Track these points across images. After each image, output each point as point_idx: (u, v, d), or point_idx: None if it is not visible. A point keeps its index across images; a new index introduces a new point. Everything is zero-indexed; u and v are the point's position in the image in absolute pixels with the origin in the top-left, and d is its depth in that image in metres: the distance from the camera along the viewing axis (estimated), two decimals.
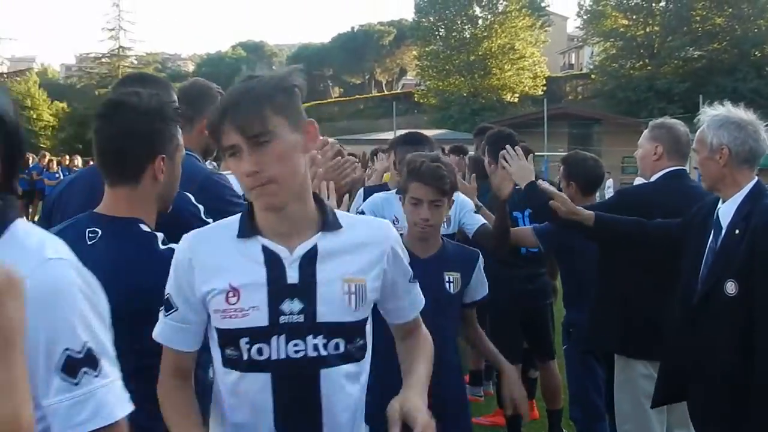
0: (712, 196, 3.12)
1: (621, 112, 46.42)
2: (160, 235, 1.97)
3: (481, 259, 3.08)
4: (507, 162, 3.65)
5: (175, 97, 2.72)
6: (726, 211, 2.96)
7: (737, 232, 2.84)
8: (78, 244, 1.93)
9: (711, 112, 3.04)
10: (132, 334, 1.86)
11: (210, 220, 2.44)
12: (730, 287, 2.80)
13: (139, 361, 1.88)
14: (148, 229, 1.99)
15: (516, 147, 3.74)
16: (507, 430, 4.90)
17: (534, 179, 3.65)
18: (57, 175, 18.81)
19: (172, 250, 1.90)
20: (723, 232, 2.94)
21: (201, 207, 2.43)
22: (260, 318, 1.70)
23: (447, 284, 2.93)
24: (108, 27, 56.06)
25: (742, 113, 2.98)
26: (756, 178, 2.96)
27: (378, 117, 56.53)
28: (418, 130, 5.01)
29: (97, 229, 1.97)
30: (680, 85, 45.52)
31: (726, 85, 45.13)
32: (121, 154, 1.98)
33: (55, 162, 19.86)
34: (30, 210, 19.40)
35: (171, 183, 2.10)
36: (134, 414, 1.38)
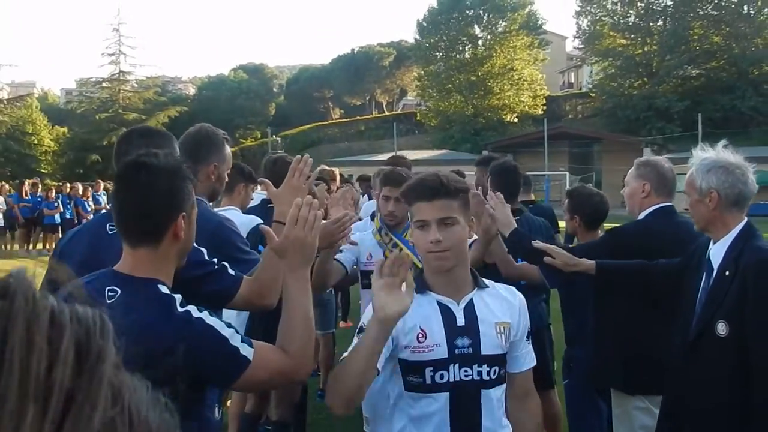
0: (705, 237, 3.15)
1: (620, 130, 46.58)
2: (178, 297, 1.97)
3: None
4: (492, 207, 3.72)
5: (177, 148, 2.79)
6: (716, 253, 3.00)
7: (727, 273, 2.89)
8: (98, 301, 1.93)
9: (700, 155, 3.06)
10: None
11: (215, 260, 2.46)
12: (721, 328, 2.84)
13: None
14: (167, 291, 1.98)
15: (498, 193, 3.80)
16: None
17: (515, 227, 3.70)
18: (56, 204, 18.79)
19: (190, 313, 1.93)
20: (714, 273, 2.98)
21: (204, 250, 2.46)
22: None
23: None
24: (108, 52, 56.46)
25: (731, 156, 3.00)
26: (745, 219, 3.00)
27: (379, 138, 56.82)
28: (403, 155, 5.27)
29: (116, 288, 1.97)
30: (679, 103, 45.71)
31: (725, 103, 45.33)
32: (145, 215, 1.99)
33: (54, 190, 19.75)
34: (31, 238, 19.40)
35: (189, 239, 2.11)
36: None
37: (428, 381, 2.31)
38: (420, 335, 2.32)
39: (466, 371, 2.31)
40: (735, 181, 2.95)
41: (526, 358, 2.50)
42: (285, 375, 2.04)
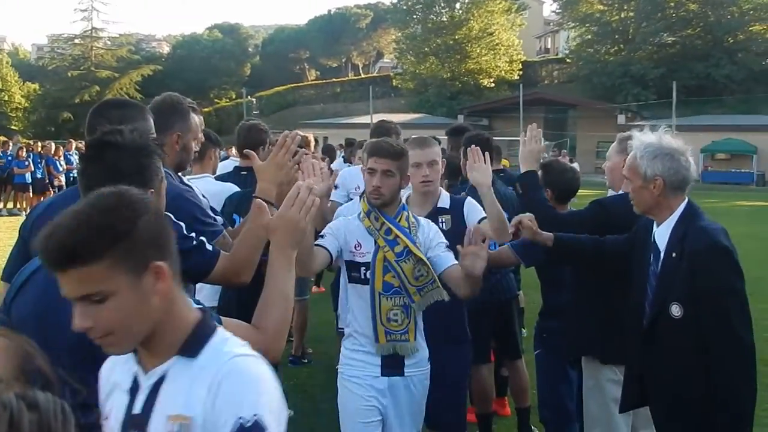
0: (647, 218, 3.19)
1: (596, 97, 46.68)
2: None
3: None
4: (475, 161, 3.70)
5: (152, 122, 2.70)
6: (661, 234, 3.05)
7: (674, 255, 2.94)
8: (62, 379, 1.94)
9: (643, 140, 3.07)
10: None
11: (193, 235, 2.46)
12: (675, 310, 2.90)
13: None
14: None
15: (486, 153, 3.78)
16: (478, 426, 4.96)
17: (491, 183, 3.69)
18: (26, 163, 18.48)
19: None
20: (662, 255, 3.03)
21: (182, 224, 2.43)
22: None
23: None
24: (80, 7, 55.31)
25: (673, 141, 3.03)
26: (686, 200, 3.04)
27: (355, 100, 56.40)
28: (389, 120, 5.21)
29: None
30: (654, 70, 45.86)
31: (699, 71, 45.54)
32: None
33: (24, 149, 19.38)
34: (1, 197, 19.14)
35: None
36: None
37: None
38: (105, 413, 1.63)
39: None
40: (679, 167, 2.99)
41: None
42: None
